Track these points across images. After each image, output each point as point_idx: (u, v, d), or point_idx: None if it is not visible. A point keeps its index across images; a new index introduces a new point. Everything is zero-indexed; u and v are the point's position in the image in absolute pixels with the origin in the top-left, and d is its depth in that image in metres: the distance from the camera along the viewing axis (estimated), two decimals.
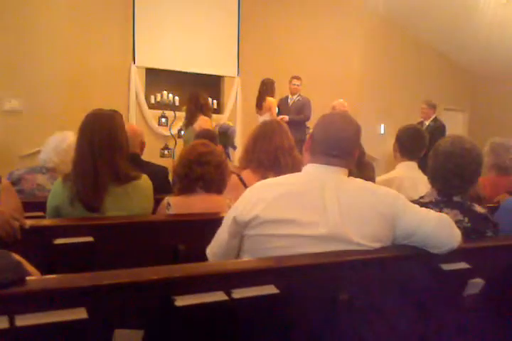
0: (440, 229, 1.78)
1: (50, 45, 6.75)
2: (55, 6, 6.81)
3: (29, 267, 1.36)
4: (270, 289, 1.47)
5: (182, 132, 7.06)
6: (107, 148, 2.37)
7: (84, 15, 7.24)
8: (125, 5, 7.80)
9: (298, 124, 7.11)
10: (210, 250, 1.92)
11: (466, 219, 2.08)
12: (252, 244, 1.77)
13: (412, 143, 3.21)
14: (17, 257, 1.33)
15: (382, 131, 9.85)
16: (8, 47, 6.43)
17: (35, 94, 6.63)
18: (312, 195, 1.75)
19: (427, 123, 7.56)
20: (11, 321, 1.16)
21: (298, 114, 7.57)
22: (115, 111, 2.51)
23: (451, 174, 2.12)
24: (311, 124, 7.62)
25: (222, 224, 1.87)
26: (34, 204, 2.65)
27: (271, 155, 3.05)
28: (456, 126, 10.60)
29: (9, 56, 6.44)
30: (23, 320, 1.17)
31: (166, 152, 7.30)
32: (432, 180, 2.24)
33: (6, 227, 1.89)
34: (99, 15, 7.46)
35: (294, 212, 1.72)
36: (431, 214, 1.83)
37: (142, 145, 3.33)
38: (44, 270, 1.55)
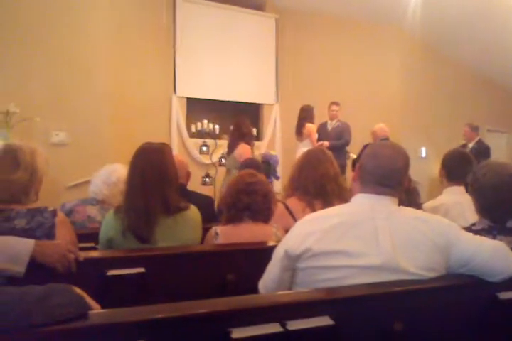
0: (496, 257, 1.74)
1: (94, 78, 6.95)
2: (99, 39, 7.03)
3: (90, 301, 1.39)
4: (325, 320, 1.46)
5: (223, 160, 7.14)
6: (158, 182, 2.42)
7: (127, 49, 7.46)
8: (166, 38, 8.04)
9: (338, 149, 7.10)
10: (263, 285, 1.91)
11: None
12: (305, 277, 1.77)
13: (460, 168, 3.17)
14: (79, 291, 1.36)
15: (423, 155, 9.73)
16: (54, 83, 6.66)
17: (80, 126, 6.82)
18: (364, 226, 1.74)
19: (470, 145, 7.46)
20: None
21: (337, 139, 7.59)
22: (165, 144, 2.57)
23: (505, 201, 2.09)
24: (351, 149, 7.60)
25: (273, 258, 1.87)
26: (85, 235, 2.70)
27: (317, 184, 3.06)
28: (499, 147, 10.40)
29: (56, 91, 6.66)
30: None
31: (207, 180, 7.37)
32: (482, 212, 2.20)
33: (62, 260, 1.94)
34: (141, 48, 7.69)
35: (345, 243, 1.71)
36: (486, 241, 1.80)
37: (188, 175, 3.39)
38: (98, 301, 1.58)
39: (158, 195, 2.41)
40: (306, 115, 7.48)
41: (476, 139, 7.54)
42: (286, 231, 1.94)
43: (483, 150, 7.23)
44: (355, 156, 7.39)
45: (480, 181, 2.20)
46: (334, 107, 7.77)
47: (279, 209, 2.97)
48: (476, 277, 1.77)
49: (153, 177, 2.41)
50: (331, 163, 3.17)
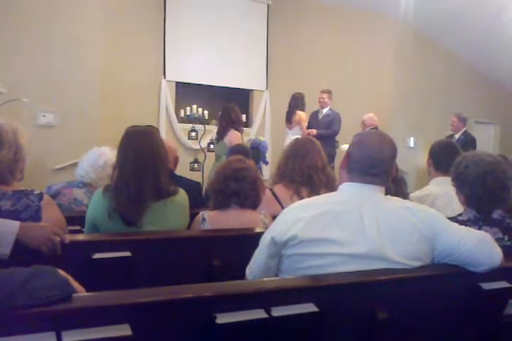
0: (481, 247, 1.75)
1: (83, 61, 6.90)
2: (89, 22, 6.97)
3: (74, 283, 1.38)
4: (310, 307, 1.47)
5: (212, 146, 7.11)
6: (151, 164, 2.39)
7: (116, 32, 7.39)
8: (156, 21, 7.95)
9: (327, 138, 7.09)
10: (250, 271, 1.92)
11: (506, 237, 2.06)
12: (290, 264, 1.77)
13: (447, 159, 3.17)
14: (63, 274, 1.35)
15: (411, 145, 9.76)
16: (42, 64, 6.59)
17: (68, 108, 6.77)
18: (350, 214, 1.75)
19: (457, 136, 7.46)
20: (58, 337, 1.18)
21: (327, 128, 7.56)
22: (152, 127, 2.54)
23: (491, 190, 2.11)
24: (341, 138, 7.60)
25: (260, 245, 1.87)
26: (71, 219, 2.68)
27: (304, 174, 3.06)
28: (487, 139, 10.47)
29: (44, 72, 6.59)
30: (69, 336, 1.19)
31: (195, 165, 7.34)
32: (469, 204, 2.22)
33: (47, 243, 1.92)
34: (131, 31, 7.61)
35: (332, 231, 1.72)
36: (471, 232, 1.82)
37: (176, 160, 3.36)
38: (83, 284, 1.58)
39: (151, 179, 2.38)
40: (296, 102, 7.45)
41: (463, 130, 7.55)
42: (273, 217, 1.94)
43: (469, 142, 7.24)
44: (348, 146, 7.36)
45: (464, 174, 2.21)
46: (322, 95, 7.71)
47: (267, 195, 2.97)
48: (460, 267, 1.79)
49: (147, 160, 2.39)
50: (318, 153, 3.17)
